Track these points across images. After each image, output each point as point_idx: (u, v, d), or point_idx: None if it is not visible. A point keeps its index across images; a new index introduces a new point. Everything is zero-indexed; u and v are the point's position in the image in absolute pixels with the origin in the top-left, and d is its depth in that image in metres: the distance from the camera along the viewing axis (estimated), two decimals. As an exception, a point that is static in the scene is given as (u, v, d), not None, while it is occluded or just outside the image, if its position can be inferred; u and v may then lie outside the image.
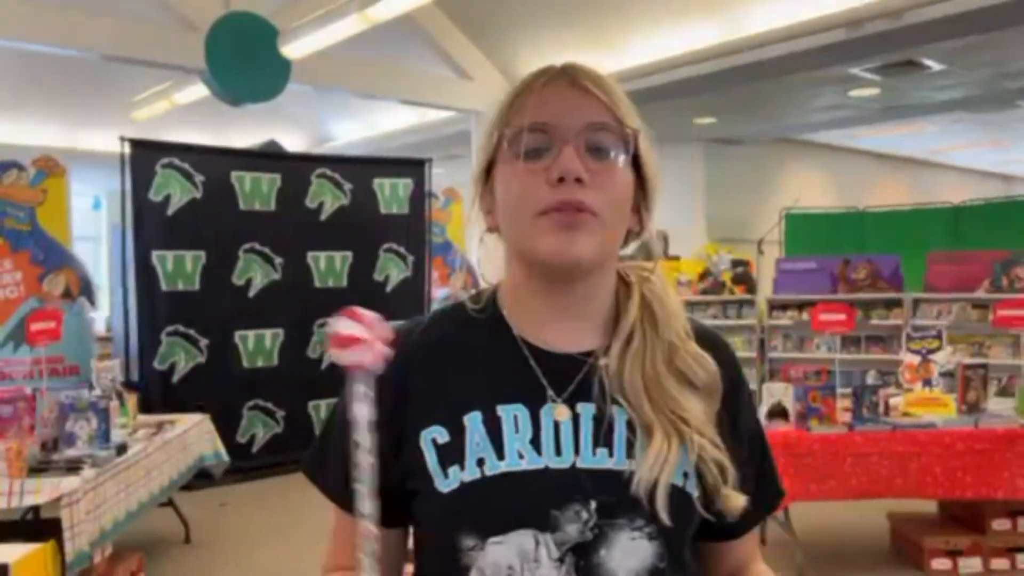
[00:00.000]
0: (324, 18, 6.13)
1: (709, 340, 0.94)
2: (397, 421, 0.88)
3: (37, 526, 3.71)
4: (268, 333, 6.64)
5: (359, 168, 7.19)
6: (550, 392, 0.87)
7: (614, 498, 0.83)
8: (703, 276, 8.24)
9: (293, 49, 6.57)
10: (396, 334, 0.90)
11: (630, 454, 0.85)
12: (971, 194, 10.90)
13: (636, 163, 0.89)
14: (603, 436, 0.85)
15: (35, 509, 3.78)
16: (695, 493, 0.86)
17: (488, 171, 0.91)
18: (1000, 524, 4.19)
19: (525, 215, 0.84)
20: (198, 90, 7.30)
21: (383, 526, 0.86)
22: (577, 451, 0.85)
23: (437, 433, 0.86)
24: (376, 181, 7.14)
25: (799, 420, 4.15)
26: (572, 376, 0.88)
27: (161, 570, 4.43)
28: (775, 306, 8.02)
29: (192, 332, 6.34)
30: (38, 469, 3.46)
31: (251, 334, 6.57)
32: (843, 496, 4.03)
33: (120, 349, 6.66)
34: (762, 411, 4.37)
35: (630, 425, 0.86)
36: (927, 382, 4.37)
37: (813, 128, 11.06)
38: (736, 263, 8.19)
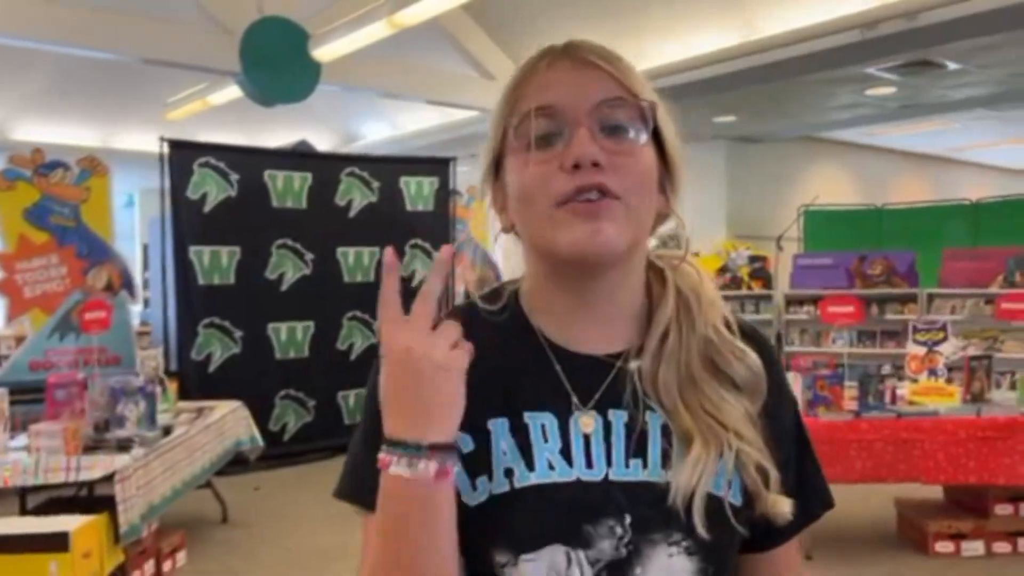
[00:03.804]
0: (353, 23, 6.37)
1: (753, 336, 0.89)
2: None
3: (91, 501, 3.99)
4: (299, 326, 6.91)
5: (386, 167, 7.45)
6: (574, 399, 0.82)
7: (650, 512, 0.78)
8: (721, 271, 8.41)
9: (323, 52, 6.83)
10: None
11: (665, 464, 0.80)
12: (994, 191, 10.95)
13: (656, 138, 0.83)
14: (637, 445, 0.81)
15: (89, 486, 4.07)
16: (737, 502, 0.81)
17: (497, 166, 0.86)
18: (1002, 509, 4.35)
19: (541, 208, 0.79)
20: (232, 91, 7.58)
21: None
22: (610, 462, 0.80)
23: (461, 441, 0.79)
24: (403, 179, 7.39)
25: (807, 408, 4.33)
26: (600, 381, 0.83)
27: (201, 546, 4.70)
28: (792, 301, 8.17)
29: (227, 324, 6.62)
30: (92, 448, 3.74)
31: (283, 326, 6.85)
32: (848, 479, 4.20)
33: (158, 340, 6.96)
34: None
35: (665, 432, 0.82)
36: (932, 372, 4.53)
37: (832, 126, 11.16)
38: (754, 259, 8.35)
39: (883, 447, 4.19)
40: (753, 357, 0.85)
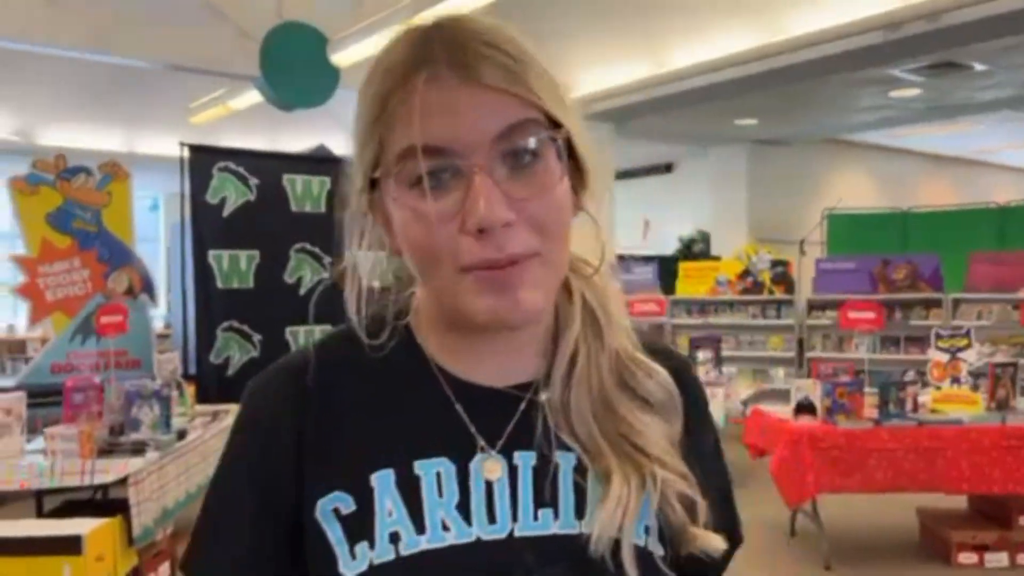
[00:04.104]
0: (371, 28, 6.38)
1: (661, 353, 0.78)
2: (293, 492, 0.70)
3: (107, 504, 4.01)
4: (317, 330, 6.91)
5: (405, 170, 7.45)
6: (480, 441, 0.70)
7: (562, 571, 0.67)
8: (742, 276, 8.33)
9: (342, 57, 6.85)
10: (280, 374, 0.75)
11: (580, 512, 0.69)
12: (1022, 194, 10.78)
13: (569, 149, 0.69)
14: (547, 492, 0.69)
15: (104, 489, 4.09)
16: (659, 551, 0.70)
17: (373, 181, 0.70)
18: (1027, 520, 4.27)
19: (445, 271, 0.66)
20: (252, 96, 7.63)
21: None
22: (516, 516, 0.68)
23: (340, 501, 0.68)
24: (421, 183, 7.39)
25: (826, 415, 4.26)
26: (507, 418, 0.71)
27: (217, 550, 4.71)
28: (814, 306, 8.08)
29: (246, 328, 6.65)
30: (107, 451, 3.75)
31: (301, 330, 6.86)
32: (868, 489, 4.14)
33: (178, 344, 7.01)
34: (791, 406, 4.50)
35: (580, 472, 0.70)
36: (955, 380, 4.45)
37: (856, 129, 11.04)
38: (775, 263, 8.27)
39: (904, 456, 4.12)
40: (664, 375, 0.75)
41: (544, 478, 0.69)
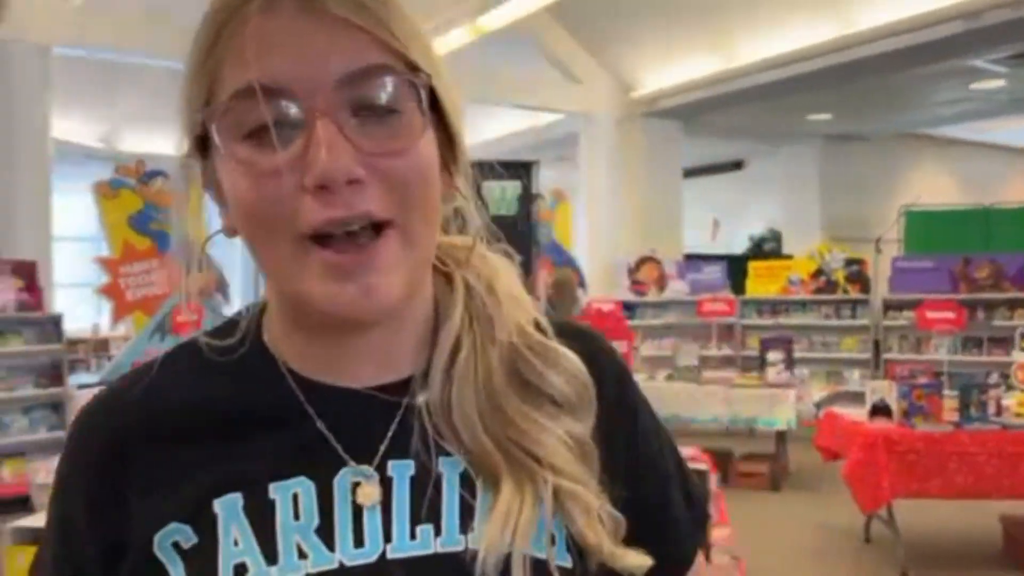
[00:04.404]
0: (435, 30, 6.44)
1: (573, 333, 0.67)
2: (110, 522, 0.60)
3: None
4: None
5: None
6: (345, 456, 0.60)
7: None
8: (815, 275, 8.13)
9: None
10: (111, 390, 0.65)
11: (465, 526, 0.59)
12: (1114, 189, 10.27)
13: (432, 106, 0.58)
14: (426, 507, 0.59)
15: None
16: (566, 563, 0.59)
17: (205, 139, 0.58)
18: (1121, 530, 4.06)
19: (278, 239, 0.56)
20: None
21: None
22: (389, 535, 0.58)
23: (179, 534, 0.58)
24: (485, 184, 7.39)
25: (903, 418, 4.13)
26: (378, 424, 0.61)
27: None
28: (891, 306, 7.83)
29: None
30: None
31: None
32: (948, 495, 3.99)
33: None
34: (866, 409, 4.37)
35: (466, 482, 0.60)
36: (1041, 382, 4.26)
37: (935, 123, 10.68)
38: (850, 262, 8.05)
39: (987, 461, 3.96)
40: (572, 360, 0.63)
41: (423, 491, 0.59)
